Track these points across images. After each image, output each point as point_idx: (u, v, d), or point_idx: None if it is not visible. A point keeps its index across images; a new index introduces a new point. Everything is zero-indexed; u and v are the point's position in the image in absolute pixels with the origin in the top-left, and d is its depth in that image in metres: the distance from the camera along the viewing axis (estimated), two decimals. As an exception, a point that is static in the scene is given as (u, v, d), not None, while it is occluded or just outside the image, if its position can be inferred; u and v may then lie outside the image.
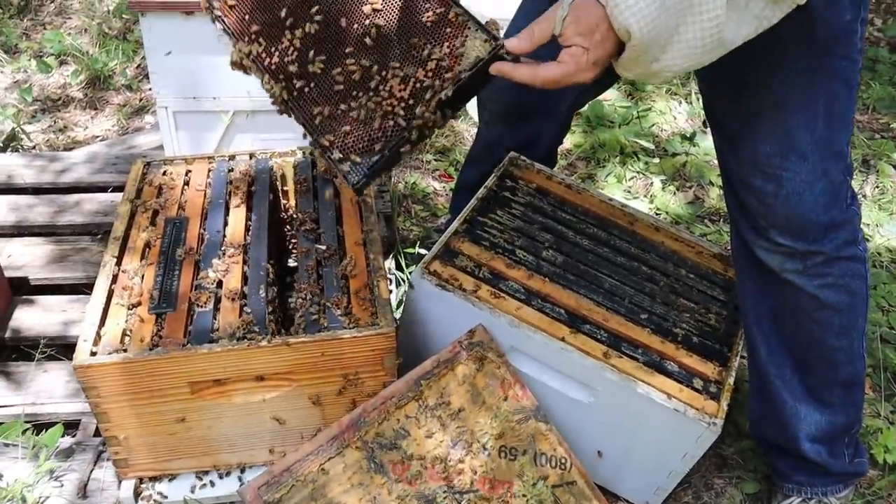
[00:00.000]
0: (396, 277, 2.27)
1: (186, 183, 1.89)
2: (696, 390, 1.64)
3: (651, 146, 2.86)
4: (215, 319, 1.54)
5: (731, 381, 1.67)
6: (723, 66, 1.24)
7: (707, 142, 2.85)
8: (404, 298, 1.85)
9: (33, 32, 3.72)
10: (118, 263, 1.66)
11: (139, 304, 1.57)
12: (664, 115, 3.04)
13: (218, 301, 1.57)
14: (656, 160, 2.83)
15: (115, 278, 1.63)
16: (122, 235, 1.73)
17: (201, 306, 1.56)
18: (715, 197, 2.71)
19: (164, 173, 1.92)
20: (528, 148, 2.03)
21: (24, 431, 1.82)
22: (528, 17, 1.87)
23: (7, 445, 1.82)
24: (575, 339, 1.65)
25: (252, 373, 1.52)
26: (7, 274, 2.20)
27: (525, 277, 1.75)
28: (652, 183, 2.75)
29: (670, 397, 1.60)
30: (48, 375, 1.97)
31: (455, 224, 1.81)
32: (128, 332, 1.52)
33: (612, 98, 3.07)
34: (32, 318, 2.11)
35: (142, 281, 1.62)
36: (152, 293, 1.58)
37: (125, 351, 1.48)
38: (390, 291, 1.68)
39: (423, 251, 2.32)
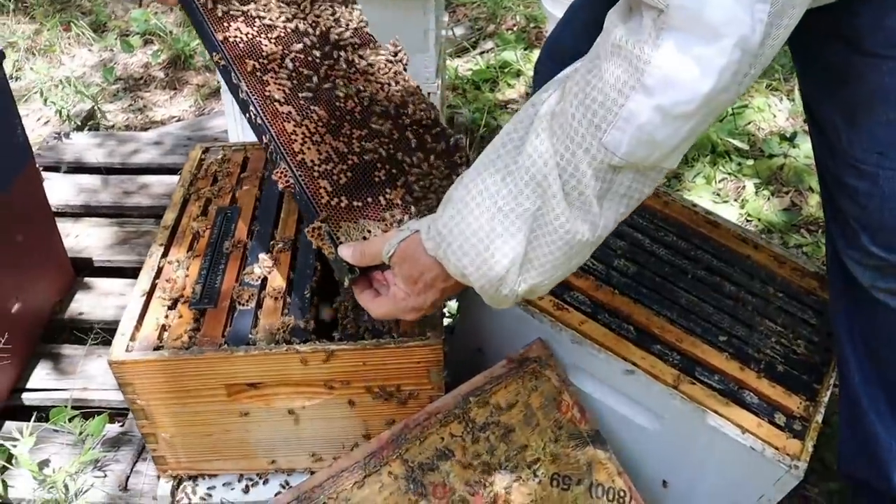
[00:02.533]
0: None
1: (243, 171, 1.82)
2: (778, 426, 1.46)
3: (745, 146, 2.65)
4: (256, 319, 1.46)
5: (820, 417, 1.49)
6: (818, 56, 1.11)
7: (809, 143, 2.61)
8: (461, 304, 1.73)
9: (122, 11, 3.76)
10: (165, 254, 1.60)
11: (181, 298, 1.51)
12: (762, 112, 2.81)
13: (261, 300, 1.49)
14: (750, 162, 2.61)
15: (159, 270, 1.57)
16: (172, 224, 1.67)
17: (243, 304, 1.48)
18: (814, 205, 2.48)
19: (223, 160, 1.86)
20: None
21: (71, 419, 1.80)
22: (573, 25, 1.78)
23: (56, 431, 1.80)
24: (643, 361, 1.50)
25: (290, 378, 1.43)
26: (72, 255, 2.20)
27: (592, 288, 1.61)
28: (744, 186, 2.54)
29: (746, 432, 1.43)
30: (100, 361, 1.95)
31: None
32: (167, 328, 1.46)
33: (705, 92, 2.86)
34: (91, 301, 2.10)
35: (186, 273, 1.56)
36: (195, 287, 1.51)
37: (161, 348, 1.41)
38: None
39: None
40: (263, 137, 1.36)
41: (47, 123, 3.03)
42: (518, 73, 3.14)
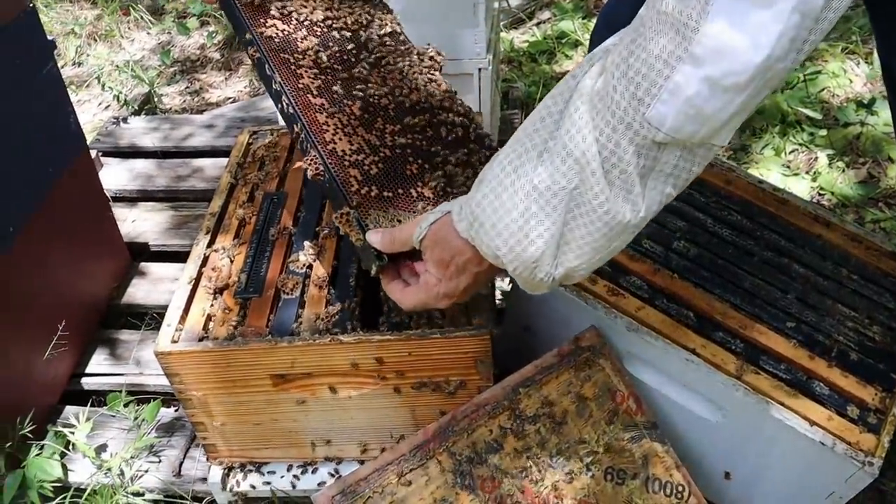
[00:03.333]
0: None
1: (290, 154, 1.79)
2: (850, 419, 1.37)
3: (818, 115, 2.49)
4: (300, 308, 1.43)
5: (897, 410, 1.39)
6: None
7: (888, 110, 2.44)
8: (511, 290, 1.67)
9: (179, -7, 3.78)
10: (211, 242, 1.59)
11: (227, 286, 1.49)
12: (837, 77, 2.64)
13: (305, 288, 1.47)
14: (823, 132, 2.46)
15: (205, 258, 1.56)
16: (219, 211, 1.65)
17: (287, 293, 1.46)
18: (894, 176, 2.32)
19: (270, 144, 1.83)
20: None
21: (126, 404, 1.82)
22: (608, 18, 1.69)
23: (112, 416, 1.83)
24: (704, 349, 1.42)
25: (336, 369, 1.41)
26: (128, 239, 2.22)
27: (650, 272, 1.53)
28: (816, 158, 2.39)
29: (815, 426, 1.35)
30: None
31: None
32: (212, 318, 1.44)
33: (775, 58, 2.70)
34: (146, 287, 2.11)
35: (232, 262, 1.54)
36: (240, 276, 1.50)
37: (206, 339, 1.40)
38: (492, 286, 1.51)
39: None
40: (295, 127, 1.33)
41: (107, 108, 3.07)
42: (576, 44, 3.03)
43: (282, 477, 1.59)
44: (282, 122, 2.32)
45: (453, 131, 1.44)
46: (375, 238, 1.18)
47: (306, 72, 1.39)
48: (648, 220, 0.96)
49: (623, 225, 0.95)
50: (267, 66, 1.36)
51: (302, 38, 1.43)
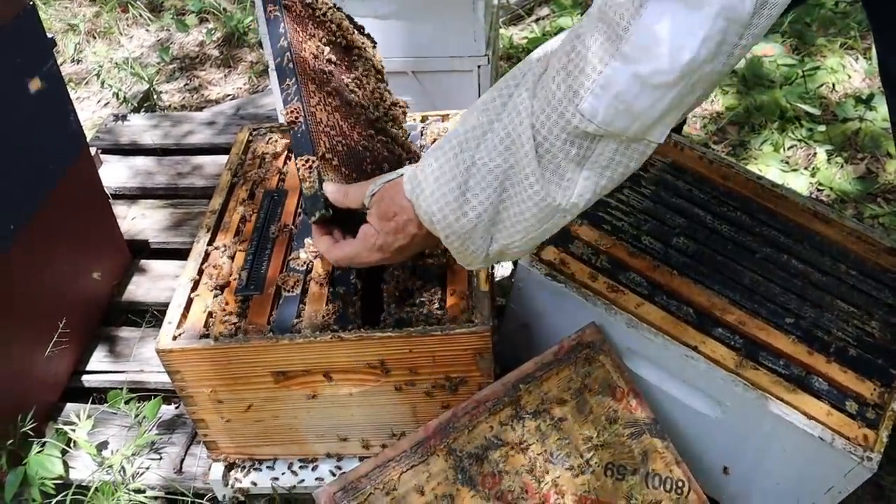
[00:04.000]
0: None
1: (290, 152, 1.79)
2: (849, 415, 1.37)
3: (817, 111, 2.49)
4: (301, 305, 1.43)
5: (896, 405, 1.39)
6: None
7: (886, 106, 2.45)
8: (513, 286, 1.68)
9: (178, -10, 3.78)
10: (211, 240, 1.59)
11: (227, 284, 1.50)
12: (836, 73, 2.64)
13: (306, 285, 1.47)
14: (822, 127, 2.46)
15: (206, 256, 1.56)
16: (219, 209, 1.66)
17: (288, 290, 1.46)
18: (892, 171, 2.33)
19: (269, 141, 1.83)
20: None
21: (127, 401, 1.83)
22: None
23: (113, 413, 1.83)
24: (703, 345, 1.43)
25: (337, 366, 1.41)
26: (128, 237, 2.22)
27: (650, 268, 1.53)
28: (815, 153, 2.40)
29: (814, 421, 1.35)
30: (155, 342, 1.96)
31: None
32: (213, 315, 1.45)
33: (773, 53, 2.71)
34: (146, 284, 2.12)
35: (232, 260, 1.54)
36: (241, 273, 1.50)
37: (207, 336, 1.41)
38: (491, 279, 1.51)
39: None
40: (289, 80, 1.37)
41: (107, 105, 3.07)
42: (575, 40, 3.03)
43: (283, 474, 1.60)
44: (282, 120, 2.33)
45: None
46: (331, 189, 1.23)
47: (316, 43, 1.44)
48: (582, 208, 1.01)
49: (553, 208, 1.00)
50: (282, 23, 1.41)
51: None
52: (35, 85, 1.78)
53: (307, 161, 1.28)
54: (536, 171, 0.97)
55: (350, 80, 1.52)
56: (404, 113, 1.64)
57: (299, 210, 1.62)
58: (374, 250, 1.18)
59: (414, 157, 1.56)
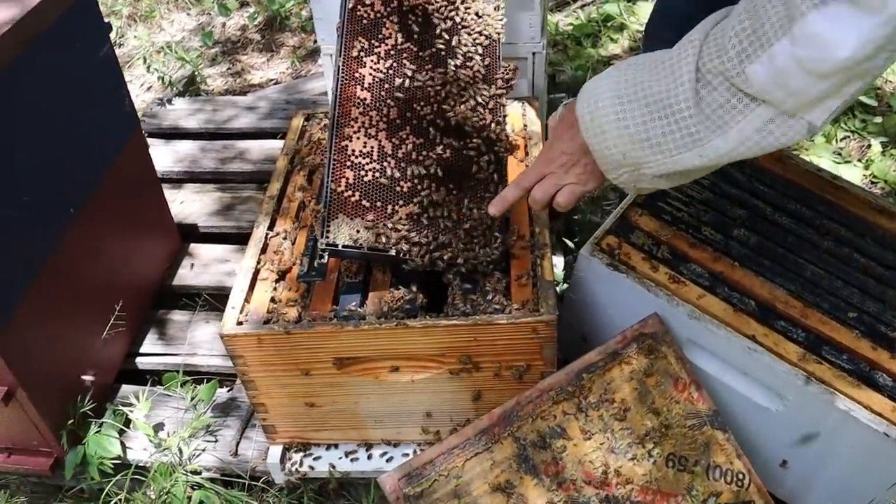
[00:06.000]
0: (565, 245, 2.09)
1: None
2: (915, 411, 1.36)
3: (872, 101, 2.45)
4: (365, 292, 1.44)
5: (963, 401, 1.38)
6: None
7: (943, 97, 2.41)
8: (573, 275, 1.68)
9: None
10: (271, 225, 1.60)
11: (289, 270, 1.51)
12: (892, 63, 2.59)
13: (369, 272, 1.47)
14: (877, 119, 2.42)
15: (266, 242, 1.57)
16: (278, 195, 1.66)
17: (351, 277, 1.46)
18: (948, 164, 2.29)
19: (324, 126, 1.84)
20: None
21: (182, 384, 1.85)
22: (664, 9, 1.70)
23: (169, 396, 1.85)
24: (765, 338, 1.42)
25: (400, 353, 1.42)
26: (177, 220, 2.24)
27: (711, 260, 1.52)
28: (869, 145, 2.36)
29: (879, 417, 1.34)
30: (209, 327, 1.98)
31: (633, 195, 1.61)
32: (276, 301, 1.46)
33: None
34: (197, 268, 2.13)
35: (293, 245, 1.55)
36: (302, 259, 1.51)
37: (270, 322, 1.42)
38: (556, 272, 1.51)
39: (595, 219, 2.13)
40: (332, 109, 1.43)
41: (150, 89, 3.09)
42: (621, 27, 3.00)
43: (339, 458, 1.61)
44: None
45: (475, 178, 1.50)
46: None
47: (373, 61, 1.44)
48: (717, 163, 1.08)
49: (699, 144, 1.06)
50: (342, 49, 1.44)
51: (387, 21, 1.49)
52: (92, 69, 1.80)
53: (314, 210, 1.45)
54: (692, 107, 1.04)
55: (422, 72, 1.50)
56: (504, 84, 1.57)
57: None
58: (558, 155, 1.23)
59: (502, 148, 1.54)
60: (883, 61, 0.92)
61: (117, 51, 3.28)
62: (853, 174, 2.25)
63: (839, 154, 2.35)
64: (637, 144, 1.10)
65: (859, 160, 2.33)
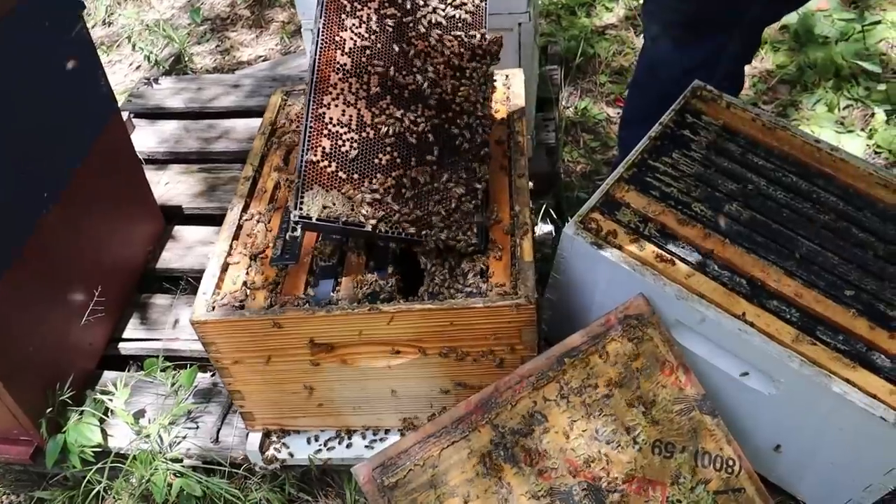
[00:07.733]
0: (555, 221, 2.03)
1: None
2: (914, 393, 1.30)
3: (877, 69, 2.37)
4: (338, 276, 1.39)
5: (963, 383, 1.31)
6: None
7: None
8: (556, 255, 1.62)
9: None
10: (245, 208, 1.55)
11: (262, 253, 1.46)
12: (896, 28, 2.51)
13: (343, 255, 1.42)
14: (881, 86, 2.34)
15: (239, 224, 1.52)
16: (252, 175, 1.61)
17: (325, 260, 1.41)
18: (956, 133, 2.21)
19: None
20: (701, 70, 1.71)
21: (164, 369, 1.81)
22: None
23: (150, 381, 1.82)
24: (757, 318, 1.36)
25: (375, 338, 1.37)
26: (161, 202, 2.19)
27: (700, 237, 1.46)
28: (873, 114, 2.28)
29: (876, 400, 1.28)
30: (189, 311, 1.93)
31: (620, 169, 1.54)
32: (248, 285, 1.41)
33: (828, 8, 2.57)
34: (180, 250, 2.09)
35: (267, 228, 1.50)
36: (276, 242, 1.46)
37: (242, 307, 1.37)
38: (536, 252, 1.45)
39: (584, 195, 2.06)
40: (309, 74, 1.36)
41: (139, 68, 3.03)
42: (617, -4, 2.92)
43: (319, 445, 1.57)
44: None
45: (458, 149, 1.44)
46: None
47: (354, 24, 1.38)
48: None
49: None
50: (323, 11, 1.39)
51: None
52: (64, 49, 1.74)
53: (288, 180, 1.44)
54: None
55: (407, 42, 1.44)
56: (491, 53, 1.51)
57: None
58: None
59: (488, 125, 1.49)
60: None
61: (107, 30, 3.23)
62: (856, 144, 2.17)
63: (841, 124, 2.27)
64: None
65: (862, 129, 2.25)
